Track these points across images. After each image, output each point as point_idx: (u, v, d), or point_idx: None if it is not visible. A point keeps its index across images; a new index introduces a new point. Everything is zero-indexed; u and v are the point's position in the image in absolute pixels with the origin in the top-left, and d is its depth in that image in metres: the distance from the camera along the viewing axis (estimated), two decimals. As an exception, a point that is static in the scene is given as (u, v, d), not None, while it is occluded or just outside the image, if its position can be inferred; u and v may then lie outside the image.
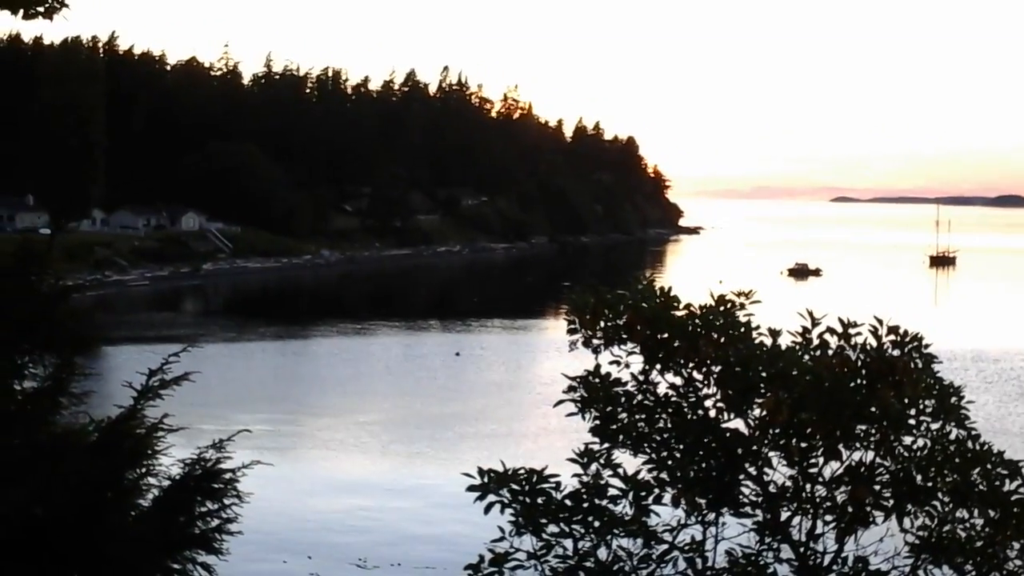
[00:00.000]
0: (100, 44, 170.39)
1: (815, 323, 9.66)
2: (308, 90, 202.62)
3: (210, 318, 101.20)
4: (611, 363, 9.88)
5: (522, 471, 8.59)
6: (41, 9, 12.44)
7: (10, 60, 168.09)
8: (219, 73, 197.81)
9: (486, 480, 8.31)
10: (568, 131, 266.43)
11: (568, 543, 8.75)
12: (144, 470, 10.92)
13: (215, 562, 11.66)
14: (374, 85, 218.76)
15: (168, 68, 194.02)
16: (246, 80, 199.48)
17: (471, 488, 8.26)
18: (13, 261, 11.78)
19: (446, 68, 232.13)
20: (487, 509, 8.40)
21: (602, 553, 8.82)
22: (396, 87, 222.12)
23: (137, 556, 10.31)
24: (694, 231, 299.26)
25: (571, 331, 10.02)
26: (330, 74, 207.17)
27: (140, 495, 10.98)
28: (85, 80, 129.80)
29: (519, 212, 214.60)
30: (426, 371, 69.09)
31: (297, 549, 31.63)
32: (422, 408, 55.95)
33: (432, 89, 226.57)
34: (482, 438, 44.68)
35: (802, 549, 9.48)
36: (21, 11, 12.27)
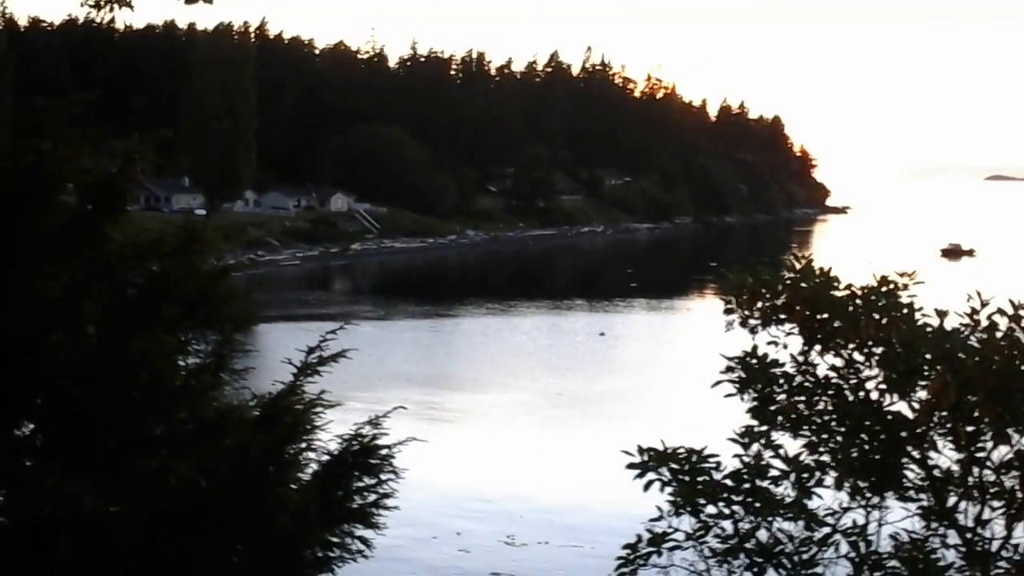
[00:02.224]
0: (251, 29, 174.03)
1: (984, 304, 9.37)
2: (452, 72, 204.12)
3: (359, 297, 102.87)
4: (769, 343, 9.73)
5: (682, 450, 8.52)
6: (203, -5, 12.74)
7: (166, 46, 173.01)
8: (366, 57, 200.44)
9: (646, 458, 8.27)
10: (712, 111, 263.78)
11: (727, 524, 8.65)
12: (304, 445, 11.13)
13: (372, 536, 11.85)
14: (517, 67, 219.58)
15: (316, 52, 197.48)
16: (392, 63, 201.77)
17: (631, 466, 8.22)
18: (176, 241, 12.09)
19: (589, 49, 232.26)
20: (646, 487, 8.35)
21: (762, 535, 8.71)
22: (539, 68, 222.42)
23: (298, 529, 10.51)
24: (841, 211, 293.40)
25: (727, 311, 9.88)
26: (474, 56, 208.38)
27: (300, 469, 11.19)
28: (237, 64, 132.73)
29: (663, 192, 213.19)
30: (571, 351, 69.16)
31: (446, 525, 31.99)
32: (569, 387, 56.02)
33: (575, 70, 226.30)
34: (632, 417, 44.56)
35: (969, 535, 9.22)
36: (184, -2, 12.59)
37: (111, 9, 12.55)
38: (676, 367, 58.42)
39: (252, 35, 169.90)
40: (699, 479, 8.51)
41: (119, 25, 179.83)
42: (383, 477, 11.99)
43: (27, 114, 11.55)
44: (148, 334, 10.65)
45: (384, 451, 11.98)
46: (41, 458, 10.41)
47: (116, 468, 9.97)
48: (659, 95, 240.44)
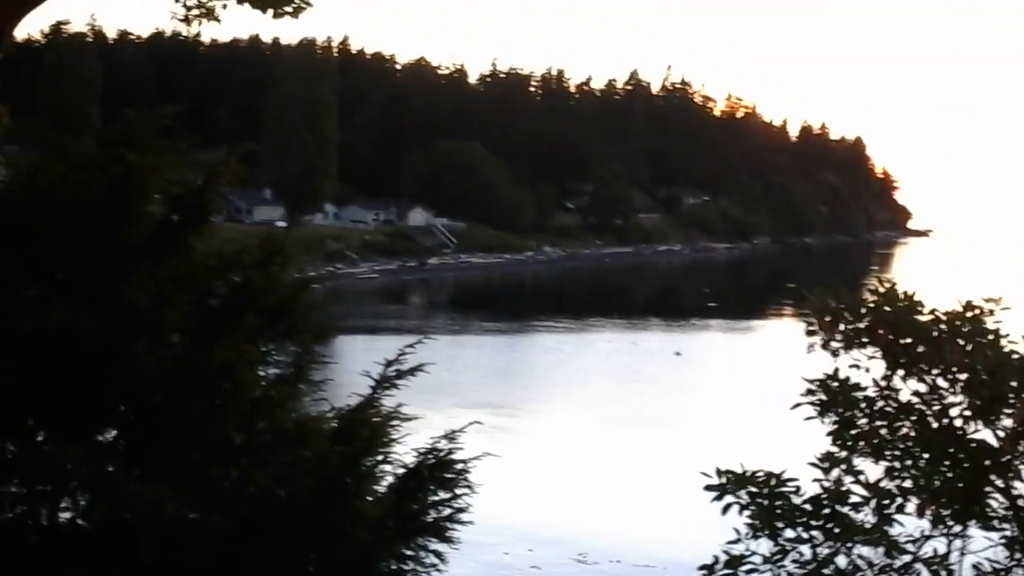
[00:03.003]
0: (334, 45, 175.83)
1: (1072, 332, 9.19)
2: (532, 89, 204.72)
3: (436, 311, 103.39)
4: (851, 367, 9.63)
5: (760, 473, 8.46)
6: (289, 9, 12.93)
7: (250, 60, 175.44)
8: (446, 73, 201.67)
9: (724, 481, 8.22)
10: (793, 132, 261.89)
11: (805, 549, 8.56)
12: (380, 457, 11.19)
13: (446, 550, 11.88)
14: (597, 84, 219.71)
15: (398, 68, 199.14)
16: (472, 80, 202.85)
17: (709, 487, 8.17)
18: (258, 253, 12.23)
19: (669, 67, 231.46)
20: (725, 510, 8.30)
21: (841, 561, 8.61)
22: (619, 86, 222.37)
23: (374, 541, 10.56)
24: (923, 234, 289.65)
25: (809, 333, 9.80)
26: (554, 73, 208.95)
27: (376, 482, 11.25)
28: (319, 79, 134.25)
29: (741, 212, 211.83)
30: (647, 369, 68.91)
31: (518, 541, 31.99)
32: (644, 405, 55.82)
33: (655, 88, 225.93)
34: (709, 438, 44.24)
35: (1054, 567, 9.04)
36: (271, 10, 12.77)
37: (199, 23, 12.75)
38: (753, 389, 57.96)
39: (335, 50, 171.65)
40: (778, 503, 8.44)
41: (205, 39, 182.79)
42: (458, 491, 12.02)
43: (116, 125, 11.76)
44: (230, 344, 10.78)
45: (459, 465, 12.01)
46: (123, 464, 10.57)
47: (197, 476, 10.10)
48: (739, 114, 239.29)
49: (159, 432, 10.73)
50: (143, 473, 10.25)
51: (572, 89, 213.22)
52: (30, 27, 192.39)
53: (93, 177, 11.10)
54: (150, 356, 10.33)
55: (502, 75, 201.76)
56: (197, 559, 9.50)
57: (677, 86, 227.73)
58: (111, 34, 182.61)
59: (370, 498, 10.95)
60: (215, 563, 9.68)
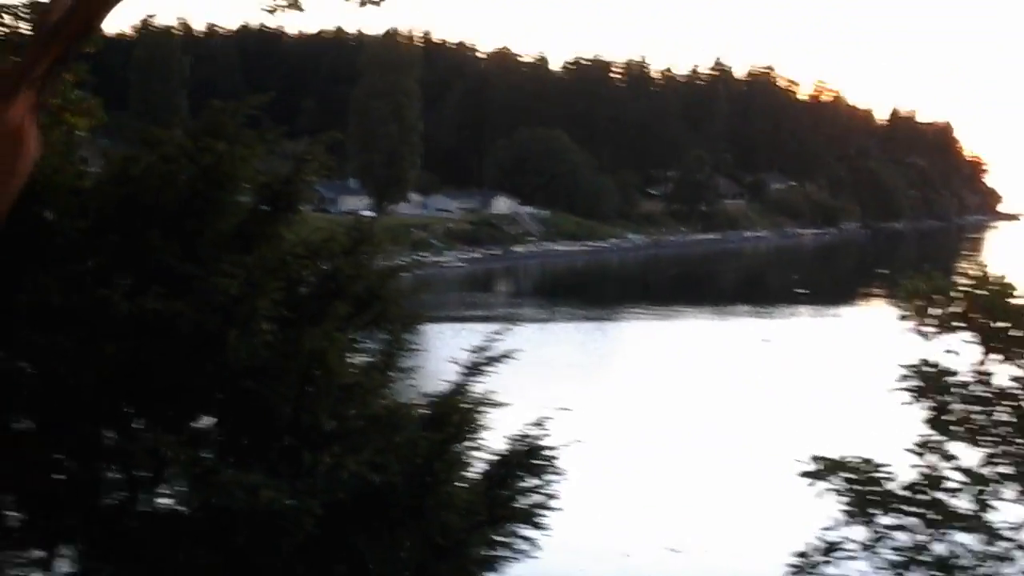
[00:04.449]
0: (417, 35, 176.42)
1: None
2: (615, 76, 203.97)
3: (521, 299, 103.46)
4: (945, 352, 9.48)
5: (856, 459, 8.36)
6: (373, -3, 12.98)
7: (334, 52, 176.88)
8: (529, 62, 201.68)
9: (819, 467, 8.13)
10: (881, 115, 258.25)
11: (902, 535, 8.44)
12: (471, 443, 11.26)
13: (536, 536, 11.89)
14: (680, 71, 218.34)
15: (480, 57, 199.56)
16: (555, 68, 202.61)
17: (804, 474, 8.10)
18: (346, 241, 12.34)
19: (753, 52, 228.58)
20: (820, 495, 8.22)
21: (938, 547, 8.48)
22: (702, 72, 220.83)
23: (465, 527, 10.61)
24: (1014, 217, 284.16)
25: (902, 318, 9.66)
26: (637, 61, 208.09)
27: (466, 468, 11.32)
28: (403, 69, 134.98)
29: (828, 197, 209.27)
30: (735, 356, 68.37)
31: (608, 529, 31.90)
32: (732, 393, 55.37)
33: (739, 73, 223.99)
34: (800, 425, 43.72)
35: None
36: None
37: (284, 12, 12.85)
38: (843, 375, 57.26)
39: (418, 40, 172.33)
40: (873, 489, 8.33)
41: (291, 31, 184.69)
42: (547, 478, 12.05)
43: (204, 116, 11.93)
44: (320, 331, 10.88)
45: (548, 452, 12.04)
46: (219, 451, 10.73)
47: (290, 462, 10.22)
48: (825, 98, 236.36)
49: (252, 419, 10.88)
50: (237, 459, 10.39)
51: (655, 76, 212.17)
52: (119, 22, 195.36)
53: (183, 167, 11.28)
54: (242, 344, 10.45)
55: (585, 63, 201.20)
56: (292, 544, 9.61)
57: (761, 71, 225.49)
58: (199, 27, 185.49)
59: (460, 484, 11.01)
60: (309, 547, 9.78)
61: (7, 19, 12.33)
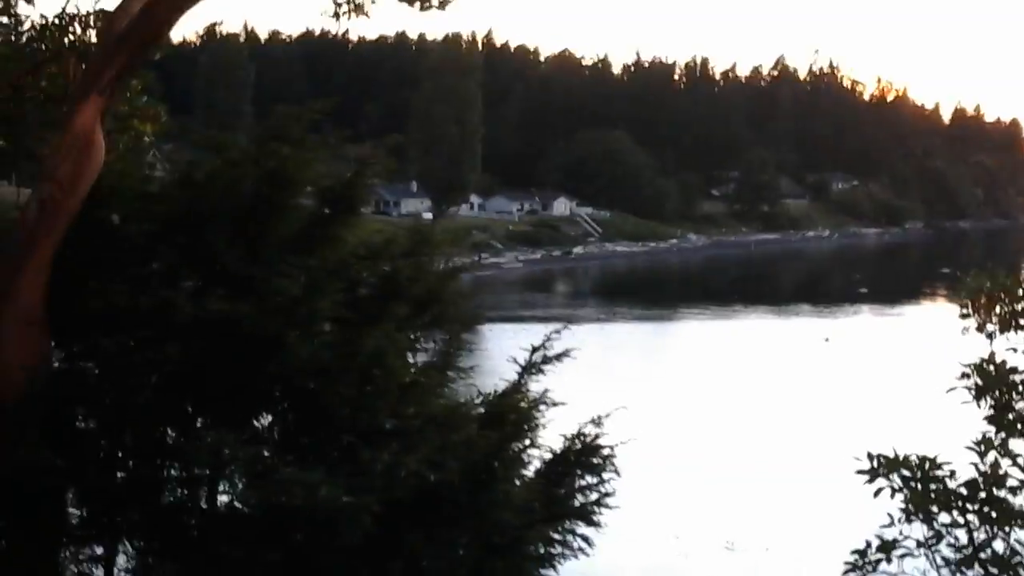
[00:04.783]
0: (478, 39, 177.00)
1: None
2: (676, 78, 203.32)
3: (581, 300, 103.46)
4: (1008, 350, 9.39)
5: (913, 457, 8.32)
6: (435, 2, 13.11)
7: (396, 56, 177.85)
8: (589, 64, 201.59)
9: (876, 464, 8.10)
10: (945, 114, 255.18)
11: (961, 533, 8.38)
12: (528, 442, 11.34)
13: (592, 534, 11.94)
14: (742, 71, 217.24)
15: (541, 60, 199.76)
16: (615, 70, 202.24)
17: (860, 472, 8.07)
18: (406, 243, 12.47)
19: (816, 52, 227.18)
20: (876, 493, 8.18)
21: (998, 546, 8.41)
22: (764, 73, 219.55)
23: (522, 524, 10.68)
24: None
25: (964, 316, 9.58)
26: (698, 62, 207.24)
27: (524, 466, 11.40)
28: (464, 73, 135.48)
29: (892, 196, 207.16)
30: (796, 355, 68.01)
31: (665, 528, 31.90)
32: (793, 391, 55.11)
33: (802, 74, 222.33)
34: (860, 423, 43.42)
35: None
36: (418, 3, 12.96)
37: (348, 17, 13.00)
38: (906, 374, 56.78)
39: (479, 44, 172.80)
40: (932, 486, 8.29)
41: (353, 37, 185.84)
42: (604, 476, 12.09)
43: (270, 121, 12.11)
44: (380, 332, 11.01)
45: (606, 451, 12.09)
46: (278, 449, 10.88)
47: (349, 460, 10.34)
48: (889, 97, 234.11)
49: (312, 417, 11.03)
50: (297, 458, 10.54)
51: (717, 77, 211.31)
52: (185, 29, 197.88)
53: (247, 171, 11.46)
54: (303, 344, 10.60)
55: (646, 65, 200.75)
56: (350, 541, 9.73)
57: (824, 71, 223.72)
58: (263, 34, 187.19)
59: (518, 482, 11.09)
60: (366, 544, 9.90)
61: (76, 28, 12.58)
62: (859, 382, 57.90)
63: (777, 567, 29.61)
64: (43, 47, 12.62)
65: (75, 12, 12.60)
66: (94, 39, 12.03)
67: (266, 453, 10.53)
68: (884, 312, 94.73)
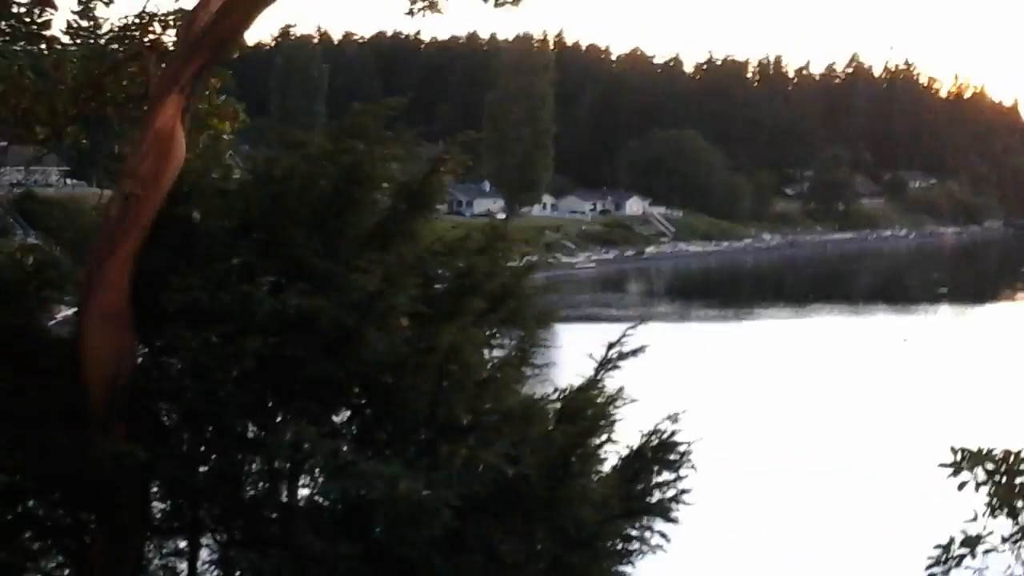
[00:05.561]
0: (550, 38, 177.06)
1: None
2: (749, 76, 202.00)
3: (654, 299, 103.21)
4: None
5: (998, 451, 8.22)
6: (510, -1, 13.13)
7: (468, 56, 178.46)
8: (661, 63, 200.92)
9: (959, 458, 8.01)
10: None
11: (1046, 529, 8.27)
12: (605, 437, 11.32)
13: (670, 530, 11.91)
14: (816, 69, 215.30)
15: (613, 59, 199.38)
16: (687, 69, 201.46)
17: (943, 465, 7.99)
18: (482, 239, 12.51)
19: (891, 48, 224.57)
20: (961, 487, 8.09)
21: (1085, 542, 8.28)
22: (839, 70, 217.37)
23: (599, 520, 10.67)
24: None
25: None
26: (771, 60, 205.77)
27: (601, 461, 11.38)
28: (536, 72, 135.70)
29: (970, 195, 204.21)
30: (873, 355, 67.33)
31: (737, 528, 31.81)
32: (871, 391, 54.62)
33: (877, 71, 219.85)
34: (941, 422, 42.96)
35: None
36: (492, 0, 13.00)
37: (423, 14, 13.06)
38: (986, 373, 56.03)
39: (551, 44, 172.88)
40: (1017, 481, 8.18)
41: (425, 37, 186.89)
42: (681, 473, 12.04)
43: (346, 118, 12.21)
44: (456, 327, 11.06)
45: (683, 447, 12.03)
46: (357, 443, 10.97)
47: (427, 454, 10.40)
48: (967, 95, 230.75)
49: (389, 412, 11.10)
50: (375, 452, 10.62)
51: (791, 75, 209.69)
52: (260, 32, 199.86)
53: (324, 168, 11.57)
54: (380, 339, 10.68)
55: (718, 63, 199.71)
56: (429, 534, 9.78)
57: (900, 68, 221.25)
58: (336, 36, 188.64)
59: (595, 477, 11.07)
60: (445, 538, 9.95)
61: (155, 27, 12.76)
62: (938, 382, 57.16)
63: (859, 563, 29.45)
64: (123, 47, 12.81)
65: (154, 12, 12.78)
66: (173, 38, 12.19)
67: (345, 447, 10.61)
68: (964, 313, 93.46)
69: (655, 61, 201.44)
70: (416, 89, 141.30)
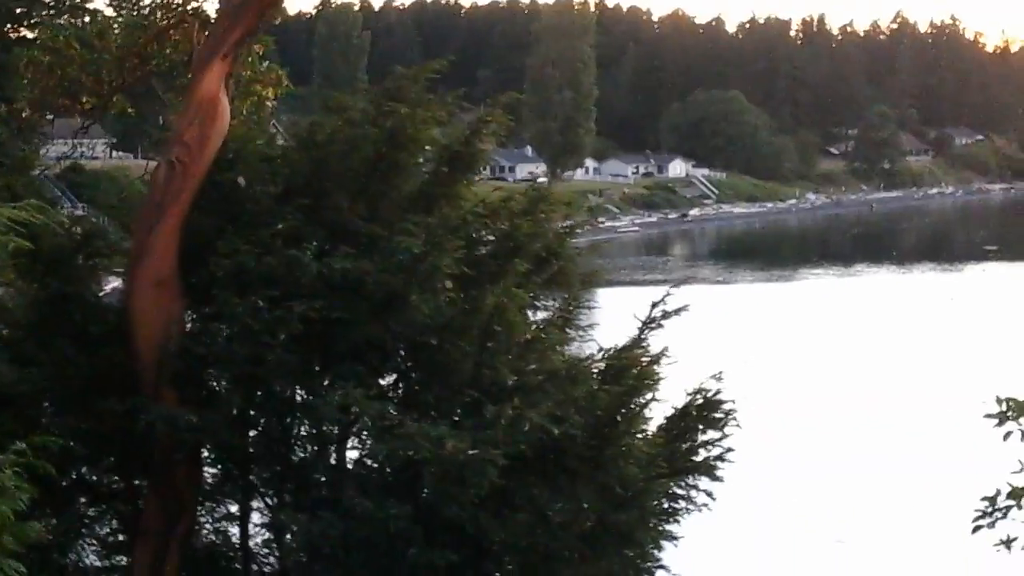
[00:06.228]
0: (590, 0, 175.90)
1: None
2: (792, 35, 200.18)
3: (698, 262, 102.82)
4: None
5: (1045, 401, 8.18)
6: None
7: (509, 20, 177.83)
8: (703, 24, 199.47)
9: (1005, 408, 7.99)
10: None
11: (1094, 480, 8.25)
12: (649, 396, 11.35)
13: (715, 488, 11.94)
14: (860, 27, 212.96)
15: (654, 21, 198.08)
16: (730, 29, 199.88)
17: (988, 416, 7.97)
18: (524, 201, 12.54)
19: (936, 6, 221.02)
20: (1006, 437, 8.07)
21: None
22: (883, 27, 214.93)
23: (645, 479, 10.73)
24: None
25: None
26: (815, 18, 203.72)
27: (646, 421, 11.43)
28: (577, 35, 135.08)
29: (1018, 151, 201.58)
30: (919, 315, 66.86)
31: (780, 485, 31.77)
32: (917, 350, 54.30)
33: (922, 27, 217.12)
34: (988, 379, 42.69)
35: None
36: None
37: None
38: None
39: (591, 6, 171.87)
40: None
41: (465, 2, 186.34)
42: (726, 431, 12.06)
43: (387, 81, 12.26)
44: (500, 289, 11.11)
45: (727, 405, 12.05)
46: (403, 405, 11.07)
47: (473, 415, 10.48)
48: (1014, 49, 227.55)
49: (435, 374, 11.19)
50: (421, 414, 10.71)
51: (835, 32, 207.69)
52: (301, 1, 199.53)
53: (367, 131, 11.62)
54: (425, 301, 10.76)
55: (761, 22, 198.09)
56: (475, 494, 9.87)
57: (946, 23, 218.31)
58: (377, 3, 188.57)
59: (640, 436, 11.12)
60: (492, 497, 10.03)
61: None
62: (986, 340, 56.73)
63: (904, 524, 29.37)
64: (166, 15, 12.91)
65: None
66: (215, 5, 12.27)
67: (392, 409, 10.71)
68: (1013, 271, 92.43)
69: (697, 22, 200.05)
70: (457, 55, 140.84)
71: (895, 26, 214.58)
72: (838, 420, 39.68)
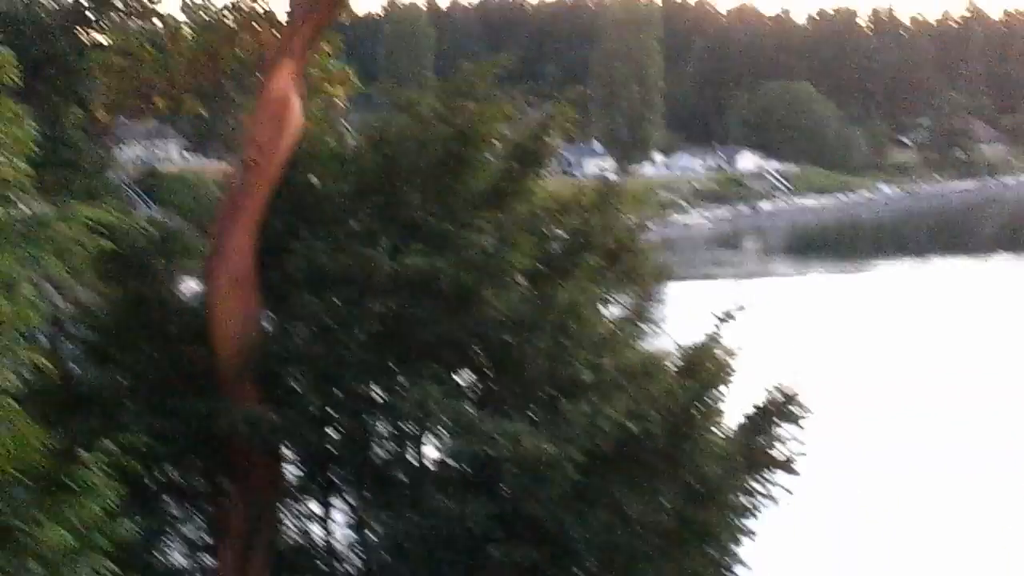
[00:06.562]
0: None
1: None
2: (862, 25, 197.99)
3: (771, 256, 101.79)
4: None
5: None
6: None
7: (574, 15, 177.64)
8: (771, 15, 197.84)
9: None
10: None
11: None
12: (726, 392, 11.25)
13: (792, 483, 11.81)
14: (931, 16, 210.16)
15: (721, 13, 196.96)
16: (798, 21, 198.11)
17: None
18: (595, 196, 12.48)
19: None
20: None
21: None
22: (954, 16, 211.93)
23: (723, 474, 10.63)
24: None
25: None
26: (884, 8, 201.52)
27: (722, 416, 11.33)
28: (643, 28, 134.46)
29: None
30: (998, 308, 65.70)
31: (854, 479, 31.43)
32: (997, 345, 53.36)
33: (994, 15, 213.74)
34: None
35: None
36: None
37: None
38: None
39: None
40: None
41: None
42: (803, 427, 11.93)
43: (455, 78, 12.24)
44: (573, 284, 11.07)
45: (804, 402, 11.91)
46: (480, 403, 11.06)
47: (549, 412, 10.44)
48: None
49: (510, 371, 11.16)
50: (497, 411, 10.68)
51: (906, 21, 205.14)
52: (368, 2, 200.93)
53: (436, 128, 11.62)
54: (498, 297, 10.73)
55: (830, 13, 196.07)
56: (554, 490, 9.83)
57: (1019, 11, 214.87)
58: (443, 2, 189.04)
59: (718, 432, 11.03)
60: (571, 494, 9.99)
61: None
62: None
63: (980, 519, 28.95)
64: (236, 17, 12.98)
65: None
66: (285, 5, 12.33)
67: (468, 407, 10.70)
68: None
69: (764, 14, 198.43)
70: (522, 52, 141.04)
71: (967, 14, 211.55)
72: (911, 414, 39.21)
